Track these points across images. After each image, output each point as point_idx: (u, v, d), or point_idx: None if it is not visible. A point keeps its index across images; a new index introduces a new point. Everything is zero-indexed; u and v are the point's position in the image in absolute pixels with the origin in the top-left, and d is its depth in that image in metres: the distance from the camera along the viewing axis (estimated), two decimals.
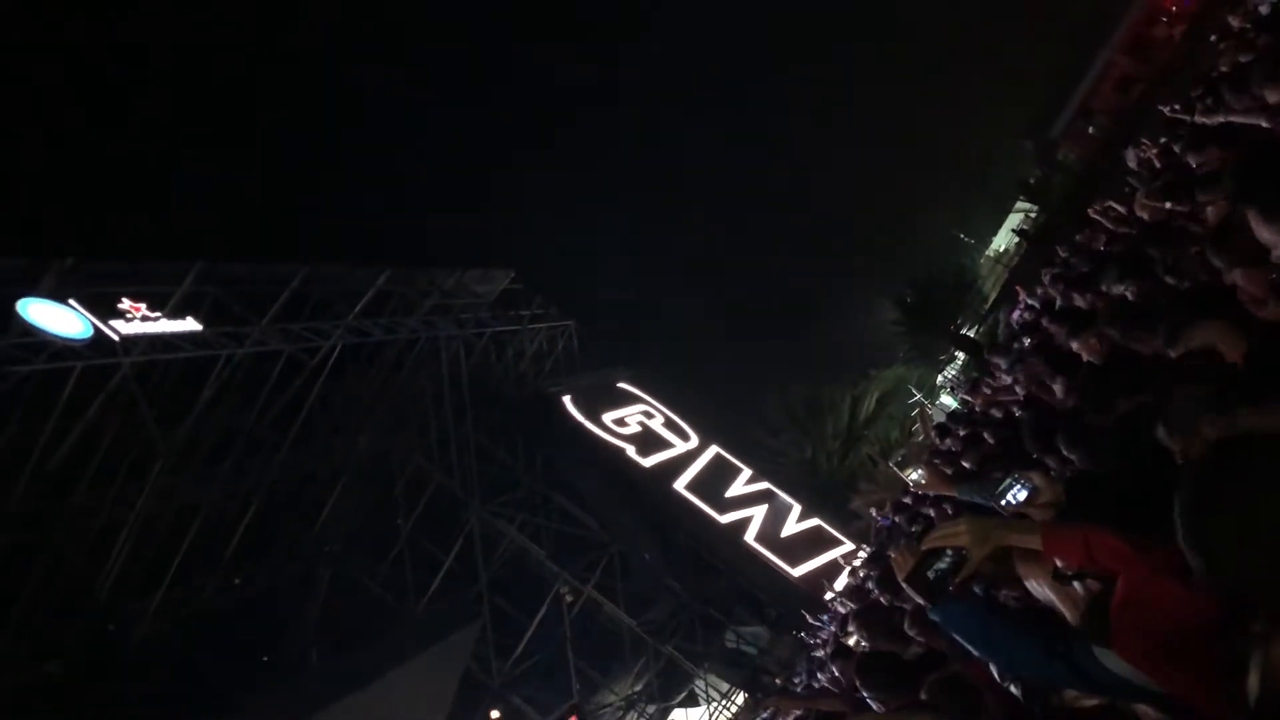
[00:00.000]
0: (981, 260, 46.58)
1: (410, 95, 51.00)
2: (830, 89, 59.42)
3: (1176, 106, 10.09)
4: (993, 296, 39.25)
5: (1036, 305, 12.48)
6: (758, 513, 22.94)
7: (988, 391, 11.93)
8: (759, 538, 22.09)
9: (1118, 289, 5.63)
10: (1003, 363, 13.11)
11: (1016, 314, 15.64)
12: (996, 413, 9.15)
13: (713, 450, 24.90)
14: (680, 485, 22.61)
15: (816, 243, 59.10)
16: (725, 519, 22.27)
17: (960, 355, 37.03)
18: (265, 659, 21.54)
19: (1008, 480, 5.05)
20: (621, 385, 25.99)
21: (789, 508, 23.97)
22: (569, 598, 21.10)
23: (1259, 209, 2.09)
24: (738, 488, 23.82)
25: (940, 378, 40.09)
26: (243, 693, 16.85)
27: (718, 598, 22.72)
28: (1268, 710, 1.51)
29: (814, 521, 23.74)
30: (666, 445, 24.18)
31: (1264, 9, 8.12)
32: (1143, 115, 22.65)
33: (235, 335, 16.31)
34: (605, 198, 57.06)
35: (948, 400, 35.73)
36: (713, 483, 23.36)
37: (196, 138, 40.62)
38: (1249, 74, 4.84)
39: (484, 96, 56.40)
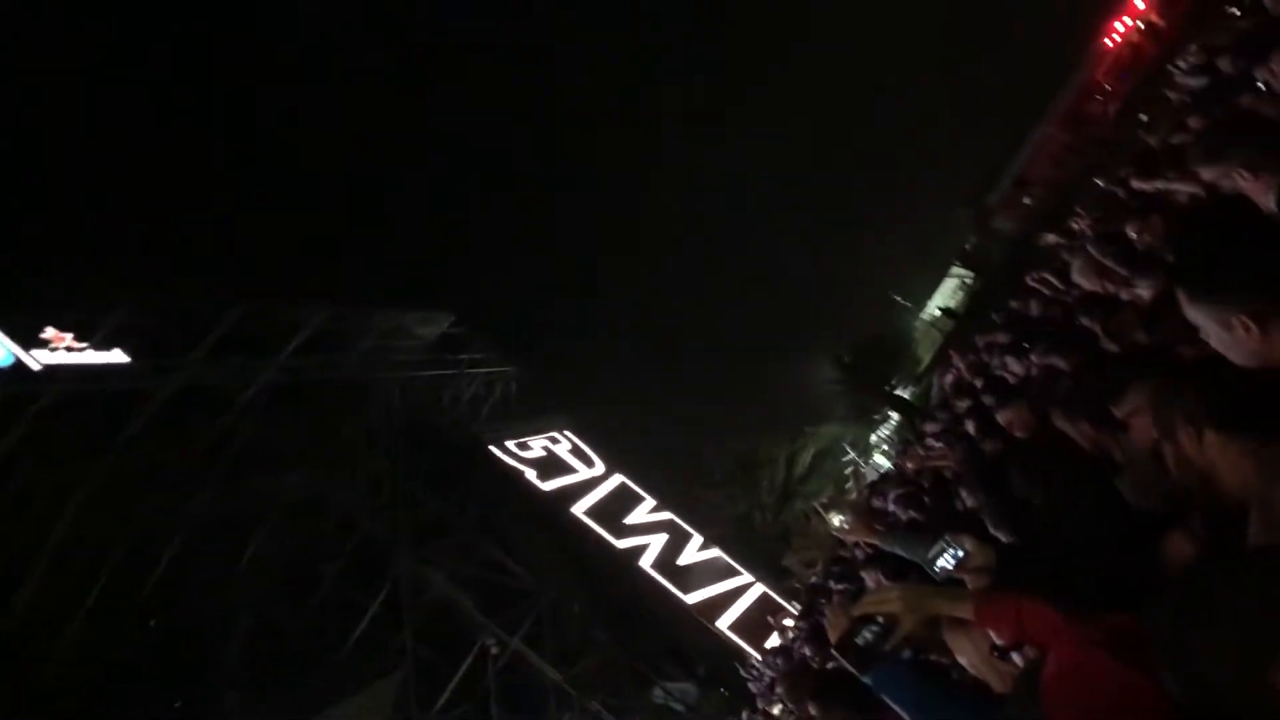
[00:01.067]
0: (917, 323, 47.39)
1: (356, 129, 50.83)
2: (781, 154, 60.46)
3: (1110, 179, 10.39)
4: (927, 359, 39.94)
5: (967, 370, 12.72)
6: (656, 540, 23.00)
7: (920, 453, 12.06)
8: (655, 564, 22.13)
9: (1049, 360, 5.75)
10: (933, 428, 13.31)
11: (950, 378, 15.90)
12: (925, 480, 9.26)
13: (617, 479, 25.04)
14: (579, 509, 22.55)
15: (760, 300, 59.73)
16: (621, 544, 22.23)
17: (894, 415, 37.56)
18: (179, 704, 20.79)
19: (939, 543, 5.07)
20: (563, 433, 25.97)
21: (688, 536, 24.16)
22: (494, 649, 20.73)
23: (1187, 290, 2.13)
24: (639, 516, 23.91)
25: (874, 437, 40.57)
26: None
27: (647, 652, 22.51)
28: None
29: (714, 552, 23.95)
30: (570, 470, 24.21)
31: (1196, 86, 8.39)
32: (1076, 188, 23.31)
33: (164, 369, 15.96)
34: (557, 247, 57.25)
35: (881, 460, 36.10)
36: (613, 511, 23.39)
37: (135, 166, 39.99)
38: (1182, 152, 5.03)
39: (436, 142, 56.30)
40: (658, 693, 22.87)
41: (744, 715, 14.20)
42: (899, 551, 5.66)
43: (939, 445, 11.62)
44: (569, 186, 59.17)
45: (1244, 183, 3.44)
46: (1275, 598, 1.25)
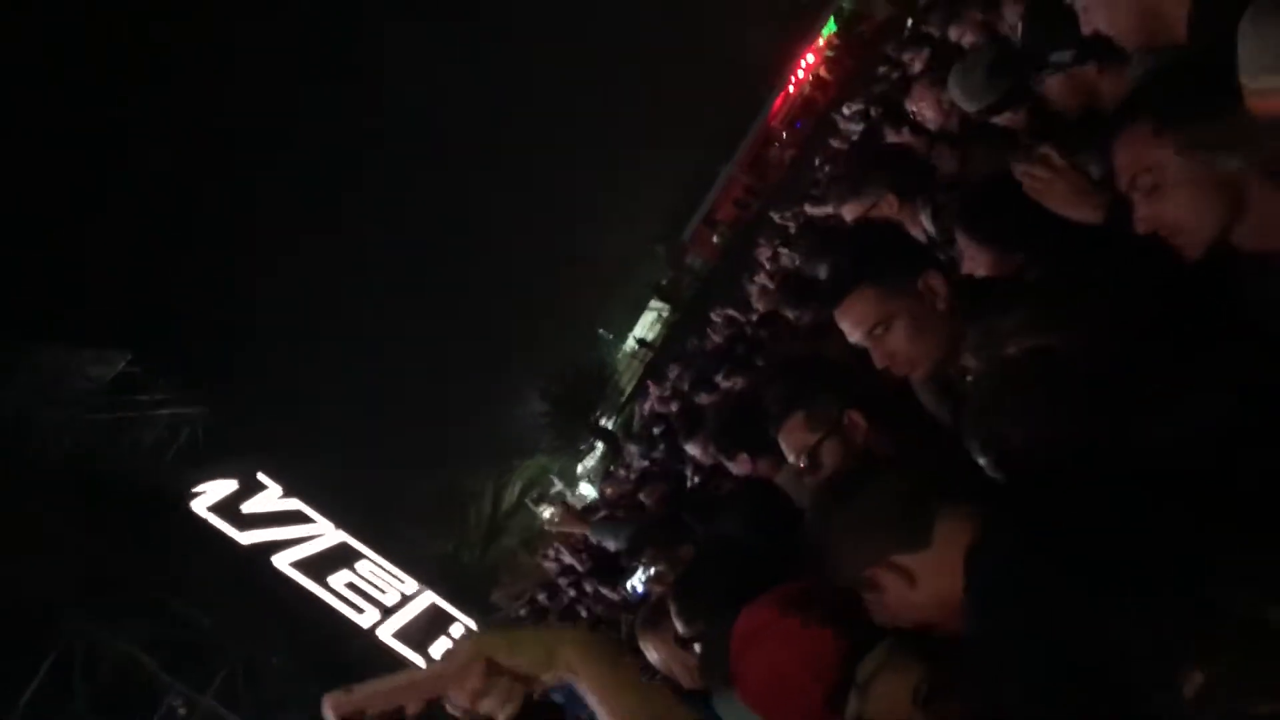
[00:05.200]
0: (620, 355, 48.87)
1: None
2: (482, 185, 60.56)
3: (785, 215, 11.29)
4: (629, 389, 41.25)
5: (659, 400, 13.34)
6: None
7: (622, 474, 12.48)
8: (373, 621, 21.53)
9: (728, 384, 6.15)
10: (635, 450, 13.81)
11: (648, 406, 16.56)
12: (622, 511, 9.62)
13: (321, 524, 24.17)
14: (279, 560, 21.43)
15: (461, 331, 59.34)
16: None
17: (599, 445, 38.46)
18: None
19: (634, 565, 5.27)
20: (259, 476, 24.51)
21: (398, 580, 23.80)
22: (182, 710, 19.21)
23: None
24: (338, 559, 23.15)
25: (580, 467, 41.31)
26: None
27: None
28: None
29: (427, 596, 23.71)
30: (267, 516, 22.93)
31: (854, 135, 9.33)
32: (758, 226, 24.99)
33: None
34: (246, 284, 54.20)
35: (587, 489, 36.81)
36: (316, 560, 22.42)
37: None
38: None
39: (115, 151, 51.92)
40: None
41: None
42: (608, 542, 5.88)
43: (642, 464, 12.09)
44: (258, 214, 56.38)
45: (889, 210, 3.85)
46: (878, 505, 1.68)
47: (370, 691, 1.18)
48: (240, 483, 21.70)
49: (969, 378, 2.20)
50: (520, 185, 60.52)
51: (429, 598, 24.43)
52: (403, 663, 21.09)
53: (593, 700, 1.18)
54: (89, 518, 20.25)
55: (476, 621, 24.62)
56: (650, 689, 1.21)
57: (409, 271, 61.43)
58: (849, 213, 4.05)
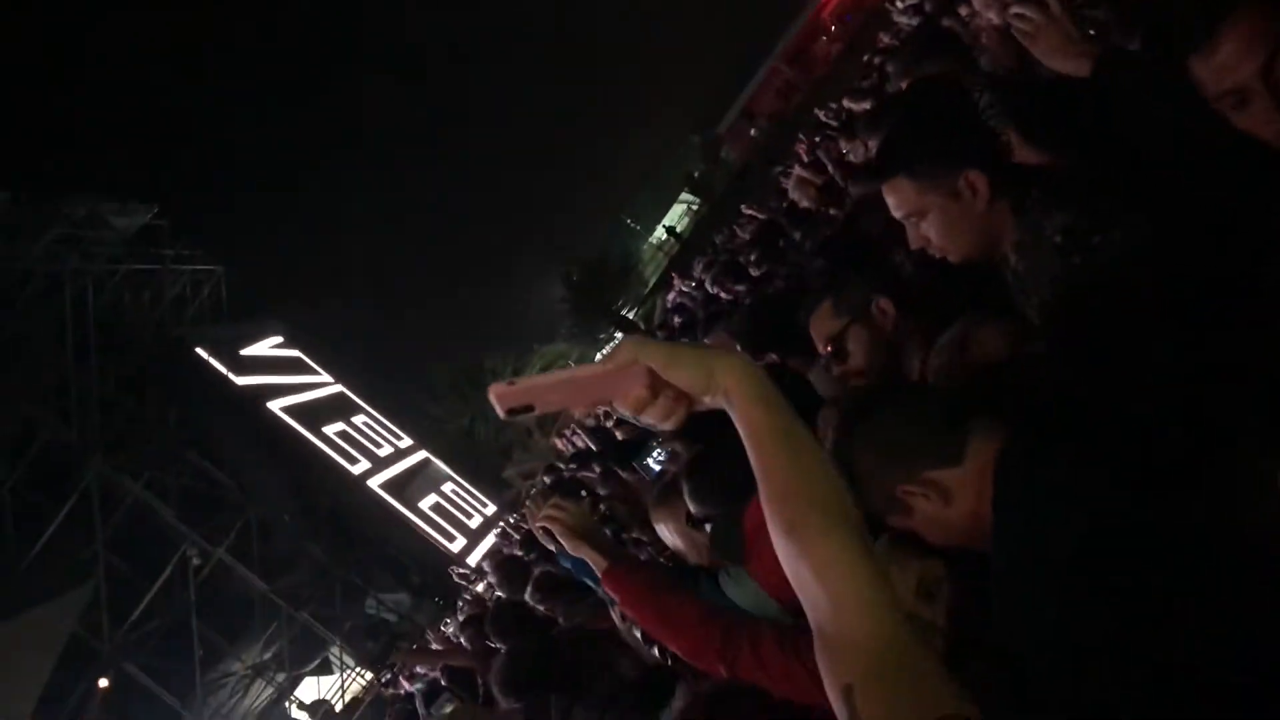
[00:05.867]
0: (645, 246, 48.60)
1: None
2: (516, 68, 59.59)
3: (831, 107, 10.97)
4: (653, 281, 41.14)
5: (689, 290, 13.23)
6: (375, 452, 23.26)
7: None
8: (374, 476, 22.28)
9: (757, 272, 6.05)
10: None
11: (671, 297, 16.49)
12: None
13: (335, 387, 24.77)
14: (290, 415, 21.89)
15: (489, 212, 59.14)
16: (334, 453, 22.01)
17: (619, 335, 38.54)
18: None
19: (650, 443, 5.27)
20: (300, 355, 24.91)
21: (408, 448, 24.52)
22: (196, 560, 19.79)
23: (907, 162, 2.25)
24: (356, 425, 23.95)
25: (598, 355, 41.48)
26: None
27: (360, 563, 22.27)
28: None
29: (433, 463, 24.50)
30: (284, 374, 23.52)
31: (908, 24, 8.94)
32: (799, 121, 24.47)
33: None
34: (276, 144, 53.83)
35: None
36: (328, 418, 23.02)
37: None
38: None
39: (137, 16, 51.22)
40: (370, 603, 22.71)
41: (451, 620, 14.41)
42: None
43: None
44: (290, 76, 55.72)
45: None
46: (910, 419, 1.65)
47: (535, 384, 1.13)
48: (242, 330, 21.95)
49: (1010, 268, 2.15)
50: (557, 65, 59.48)
51: (421, 454, 25.22)
52: (391, 512, 21.75)
53: (741, 432, 1.12)
54: (113, 367, 20.58)
55: (470, 483, 25.32)
56: (804, 436, 1.13)
57: (441, 145, 60.99)
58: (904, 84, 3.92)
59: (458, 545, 21.79)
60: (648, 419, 1.14)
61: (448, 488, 24.29)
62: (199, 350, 21.22)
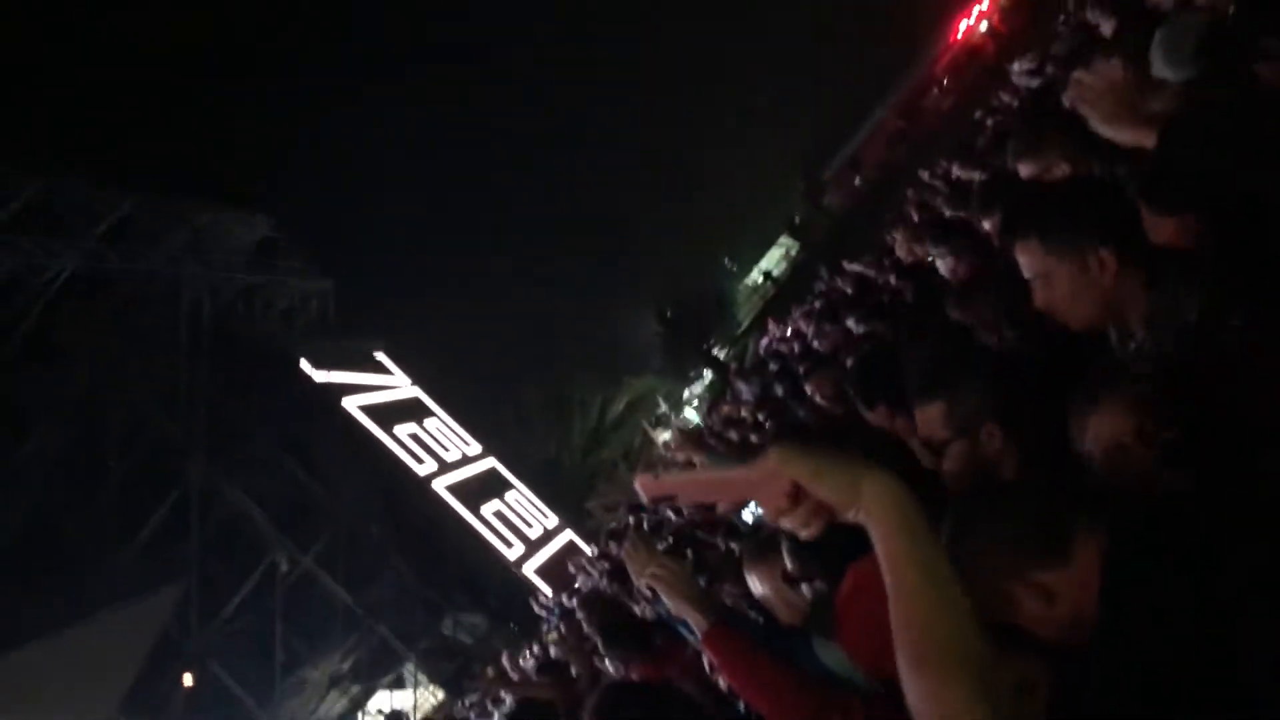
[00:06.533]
0: (740, 287, 48.47)
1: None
2: (628, 105, 60.23)
3: (940, 167, 10.87)
4: (746, 323, 40.98)
5: (786, 336, 13.20)
6: (465, 473, 23.54)
7: (726, 410, 12.41)
8: (461, 496, 22.41)
9: (860, 329, 6.02)
10: (745, 387, 13.77)
11: (765, 342, 16.44)
12: (733, 434, 9.58)
13: (433, 409, 25.16)
14: (388, 432, 22.34)
15: (590, 240, 59.70)
16: (427, 472, 22.34)
17: (708, 374, 38.47)
18: None
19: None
20: (376, 356, 25.40)
21: (500, 477, 24.82)
22: (285, 566, 20.25)
23: (1041, 228, 2.26)
24: (453, 447, 24.25)
25: (687, 393, 41.41)
26: None
27: (441, 582, 22.50)
28: None
29: (522, 491, 24.67)
30: (384, 393, 23.99)
31: (1028, 85, 8.84)
32: (906, 173, 24.27)
33: None
34: (391, 168, 55.38)
35: (692, 415, 36.94)
36: (428, 441, 23.40)
37: None
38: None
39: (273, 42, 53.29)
40: (448, 622, 22.91)
41: (529, 647, 14.46)
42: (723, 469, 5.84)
43: (749, 402, 12.03)
44: (408, 103, 57.24)
45: (1060, 175, 3.70)
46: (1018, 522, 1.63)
47: (681, 480, 1.19)
48: (347, 344, 22.26)
49: (1134, 345, 2.14)
50: (667, 101, 60.03)
51: (490, 462, 25.40)
52: (454, 516, 21.90)
53: (879, 552, 1.13)
54: (221, 373, 21.30)
55: (535, 494, 25.41)
56: (940, 566, 1.15)
57: (546, 176, 61.95)
58: (1024, 170, 3.91)
59: (515, 552, 21.82)
60: (786, 524, 1.15)
61: (511, 496, 24.53)
62: (303, 361, 21.81)
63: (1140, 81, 2.21)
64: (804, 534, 1.15)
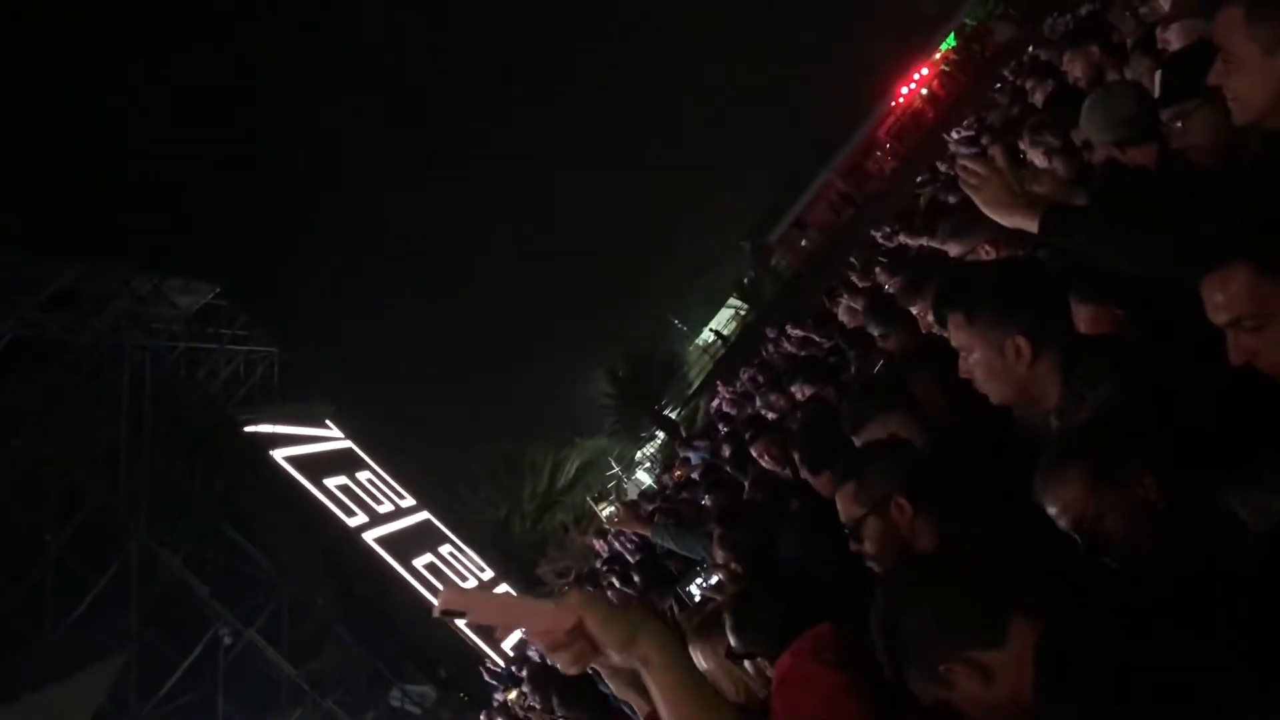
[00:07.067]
0: (690, 348, 48.78)
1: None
2: (577, 164, 60.89)
3: (885, 230, 11.10)
4: (696, 384, 41.18)
5: (733, 398, 13.28)
6: (410, 537, 23.47)
7: (678, 474, 12.41)
8: (404, 561, 22.31)
9: (805, 392, 6.09)
10: (692, 456, 13.82)
11: (715, 404, 16.55)
12: (685, 496, 9.59)
13: (378, 473, 25.10)
14: (333, 504, 22.14)
15: (538, 303, 59.86)
16: (372, 538, 22.18)
17: (660, 434, 38.49)
18: None
19: (696, 568, 5.28)
20: (326, 422, 25.21)
21: (444, 538, 24.74)
22: (227, 639, 19.71)
23: (967, 309, 2.32)
24: (392, 507, 24.30)
25: (639, 454, 41.37)
26: None
27: (389, 652, 22.11)
28: None
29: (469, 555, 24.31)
30: (329, 460, 23.72)
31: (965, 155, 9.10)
32: (849, 235, 24.74)
33: None
34: (334, 233, 55.35)
35: (644, 476, 36.87)
36: (369, 505, 23.32)
37: None
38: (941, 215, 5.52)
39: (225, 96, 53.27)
40: (395, 694, 22.45)
41: (481, 717, 14.18)
42: (670, 545, 5.89)
43: (696, 464, 12.04)
44: (356, 168, 57.36)
45: (986, 257, 3.83)
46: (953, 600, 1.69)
47: (476, 599, 1.28)
48: (292, 410, 22.06)
49: (1053, 430, 2.20)
50: (614, 166, 60.76)
51: (423, 515, 25.22)
52: (384, 567, 21.62)
53: (654, 695, 1.28)
54: (163, 441, 20.90)
55: (483, 558, 25.13)
56: (711, 703, 1.34)
57: (497, 235, 62.19)
58: (952, 250, 4.04)
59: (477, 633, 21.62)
60: (555, 658, 1.30)
61: (445, 549, 24.45)
62: (246, 429, 21.53)
63: (1020, 169, 2.31)
64: (570, 670, 1.31)
